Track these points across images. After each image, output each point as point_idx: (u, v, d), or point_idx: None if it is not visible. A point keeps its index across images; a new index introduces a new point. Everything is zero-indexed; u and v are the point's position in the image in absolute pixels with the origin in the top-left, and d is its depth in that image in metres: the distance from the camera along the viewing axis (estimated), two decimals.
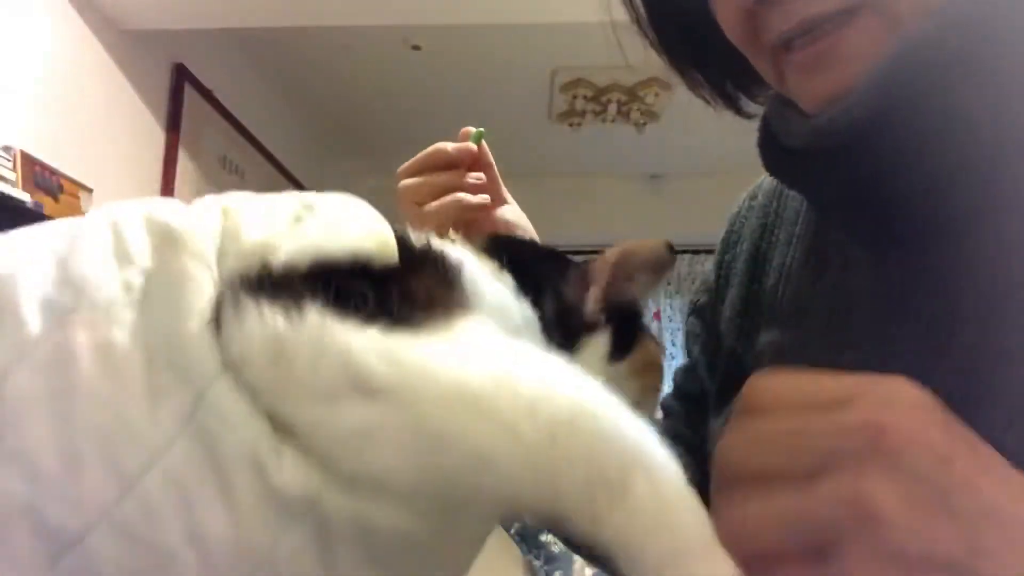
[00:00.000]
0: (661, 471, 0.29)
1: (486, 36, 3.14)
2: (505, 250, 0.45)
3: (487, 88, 3.63)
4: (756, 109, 0.57)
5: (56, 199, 2.13)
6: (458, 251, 0.41)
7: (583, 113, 3.79)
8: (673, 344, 4.70)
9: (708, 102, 0.58)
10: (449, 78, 3.55)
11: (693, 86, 0.58)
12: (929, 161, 0.38)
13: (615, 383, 0.40)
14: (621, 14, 0.56)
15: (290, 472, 0.27)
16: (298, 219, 0.34)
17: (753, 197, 0.64)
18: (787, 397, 0.30)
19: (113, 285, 0.30)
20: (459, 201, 0.60)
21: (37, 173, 2.06)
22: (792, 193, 0.59)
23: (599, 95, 3.62)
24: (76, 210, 2.21)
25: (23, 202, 1.80)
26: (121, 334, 0.28)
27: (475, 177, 0.63)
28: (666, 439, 0.30)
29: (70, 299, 0.29)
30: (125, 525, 0.26)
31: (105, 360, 0.28)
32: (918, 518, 0.25)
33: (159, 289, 0.30)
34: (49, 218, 1.90)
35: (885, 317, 0.42)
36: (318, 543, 0.28)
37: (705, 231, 4.84)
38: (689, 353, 0.68)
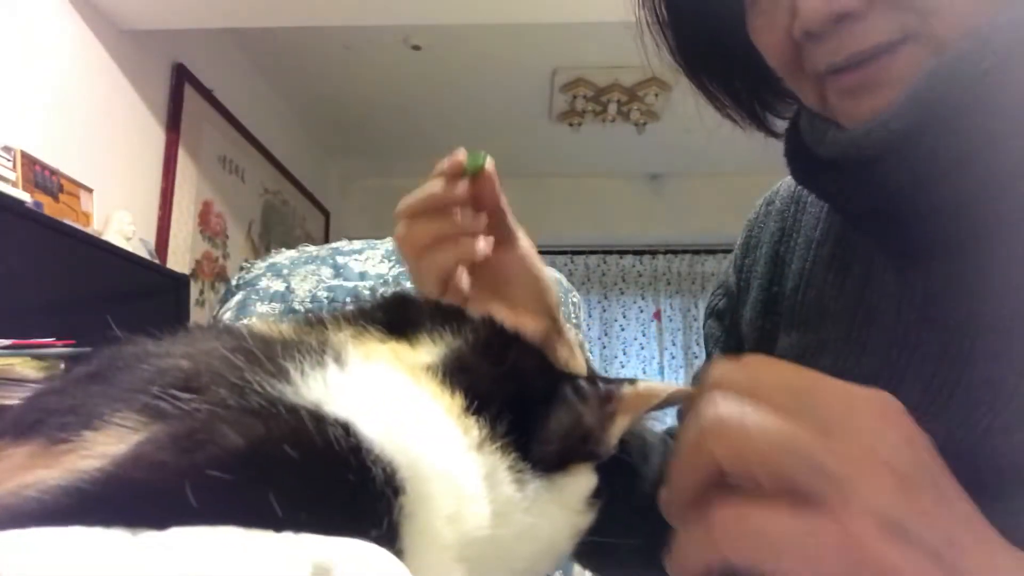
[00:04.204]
0: None
1: (486, 36, 3.14)
2: (482, 362, 0.36)
3: (487, 88, 3.63)
4: (780, 127, 0.58)
5: (56, 199, 2.13)
6: (383, 419, 0.30)
7: (583, 113, 3.79)
8: (673, 344, 4.70)
9: (736, 122, 0.59)
10: (449, 78, 3.55)
11: (722, 107, 0.59)
12: (960, 174, 0.39)
13: (575, 535, 0.36)
14: (632, 14, 0.56)
15: None
16: None
17: (770, 203, 0.65)
18: (783, 389, 0.31)
19: None
20: (459, 250, 0.52)
21: (37, 173, 2.06)
22: (811, 199, 0.59)
23: (599, 95, 3.62)
24: (76, 210, 2.21)
25: (23, 202, 1.80)
26: None
27: (474, 219, 0.53)
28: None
29: None
30: None
31: None
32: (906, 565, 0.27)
33: None
34: (49, 218, 1.90)
35: (908, 324, 0.43)
36: None
37: (705, 231, 4.80)
38: (708, 356, 0.69)
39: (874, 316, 0.46)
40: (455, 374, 0.35)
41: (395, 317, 0.38)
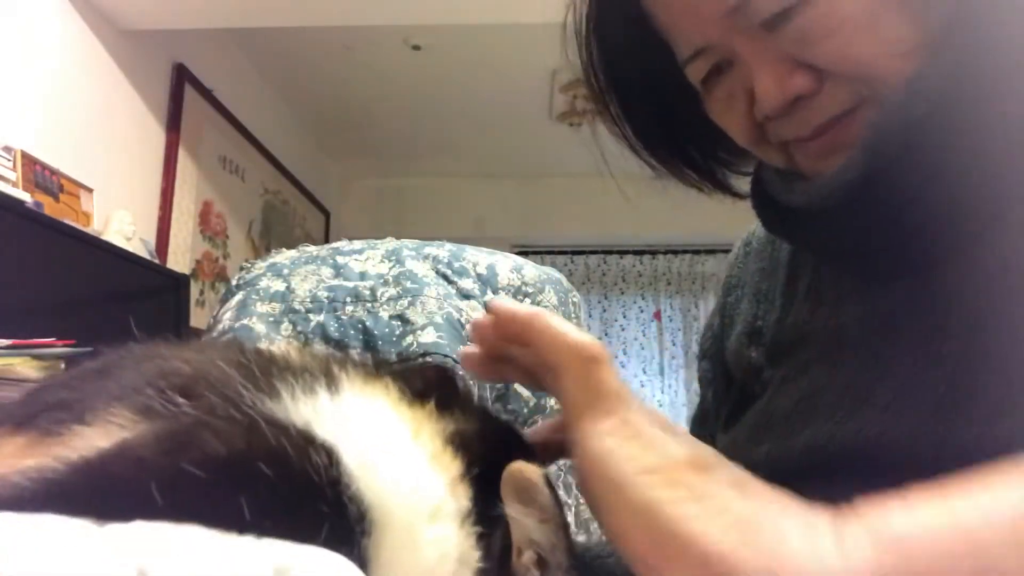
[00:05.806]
0: None
1: (486, 36, 3.14)
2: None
3: (487, 88, 3.63)
4: (739, 185, 0.62)
5: (56, 199, 2.13)
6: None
7: (583, 113, 3.79)
8: (673, 344, 4.70)
9: (702, 191, 0.63)
10: (449, 78, 3.55)
11: (685, 181, 0.63)
12: (911, 209, 0.44)
13: None
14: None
15: None
16: None
17: (747, 244, 0.69)
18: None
19: None
20: None
21: (37, 173, 2.06)
22: None
23: None
24: (76, 210, 2.21)
25: (23, 202, 1.80)
26: None
27: None
28: None
29: None
30: None
31: None
32: None
33: None
34: (49, 218, 1.90)
35: (877, 337, 0.47)
36: None
37: (705, 231, 4.79)
38: (703, 399, 0.72)
39: (844, 336, 0.50)
40: (463, 440, 0.33)
41: (423, 387, 0.36)
